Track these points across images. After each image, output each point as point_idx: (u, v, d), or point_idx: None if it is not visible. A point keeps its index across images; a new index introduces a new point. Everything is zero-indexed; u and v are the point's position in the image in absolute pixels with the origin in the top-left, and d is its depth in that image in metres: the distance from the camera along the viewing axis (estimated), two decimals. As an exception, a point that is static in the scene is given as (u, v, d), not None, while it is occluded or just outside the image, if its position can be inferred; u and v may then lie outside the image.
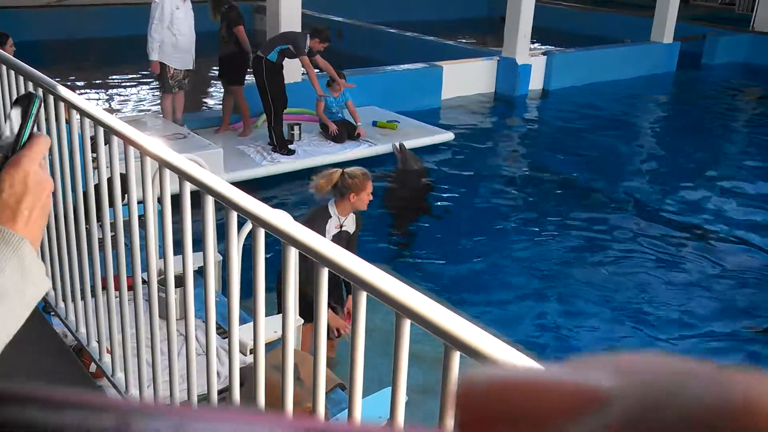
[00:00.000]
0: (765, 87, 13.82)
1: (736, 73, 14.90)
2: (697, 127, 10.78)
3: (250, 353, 2.47)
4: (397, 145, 7.63)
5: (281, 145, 7.47)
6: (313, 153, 7.63)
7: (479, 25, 18.64)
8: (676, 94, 13.41)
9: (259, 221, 1.61)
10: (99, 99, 10.22)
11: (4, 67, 2.90)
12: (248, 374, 2.25)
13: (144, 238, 2.24)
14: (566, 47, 13.68)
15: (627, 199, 7.46)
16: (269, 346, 2.29)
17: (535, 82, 11.67)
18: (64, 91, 2.51)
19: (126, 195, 2.26)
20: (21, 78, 2.76)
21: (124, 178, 2.25)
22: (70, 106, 2.46)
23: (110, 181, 2.36)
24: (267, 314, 1.84)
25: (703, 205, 7.30)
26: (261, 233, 1.65)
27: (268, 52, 7.31)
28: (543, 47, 14.06)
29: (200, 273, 2.19)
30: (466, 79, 11.00)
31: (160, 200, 2.19)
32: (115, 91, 10.93)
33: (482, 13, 19.99)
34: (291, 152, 7.50)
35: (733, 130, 11.13)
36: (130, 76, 11.52)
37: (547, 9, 15.77)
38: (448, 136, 8.70)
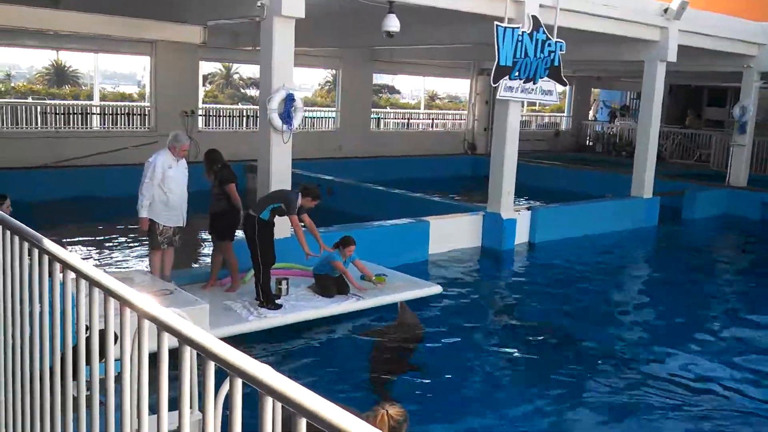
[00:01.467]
0: (744, 238, 14.13)
1: (715, 225, 15.30)
2: (680, 278, 10.88)
3: None
4: (400, 302, 7.83)
5: (268, 299, 7.43)
6: (300, 308, 7.57)
7: (464, 183, 19.34)
8: (658, 246, 13.67)
9: (234, 370, 1.56)
10: (89, 256, 10.25)
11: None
12: None
13: (120, 395, 2.16)
14: (550, 202, 14.07)
15: (614, 352, 7.35)
16: None
17: (521, 236, 11.87)
18: (48, 244, 2.52)
19: (104, 353, 2.22)
20: (8, 233, 2.78)
21: (103, 334, 2.21)
22: (54, 259, 2.46)
23: (88, 339, 2.31)
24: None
25: (689, 358, 7.18)
26: (238, 383, 1.59)
27: (261, 211, 7.44)
28: (527, 203, 14.47)
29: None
30: (453, 233, 11.19)
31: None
32: (104, 248, 11.00)
33: (467, 173, 20.85)
34: (278, 307, 7.43)
35: (715, 282, 11.20)
36: (120, 234, 11.67)
37: (529, 167, 16.42)
38: (437, 289, 8.70)
